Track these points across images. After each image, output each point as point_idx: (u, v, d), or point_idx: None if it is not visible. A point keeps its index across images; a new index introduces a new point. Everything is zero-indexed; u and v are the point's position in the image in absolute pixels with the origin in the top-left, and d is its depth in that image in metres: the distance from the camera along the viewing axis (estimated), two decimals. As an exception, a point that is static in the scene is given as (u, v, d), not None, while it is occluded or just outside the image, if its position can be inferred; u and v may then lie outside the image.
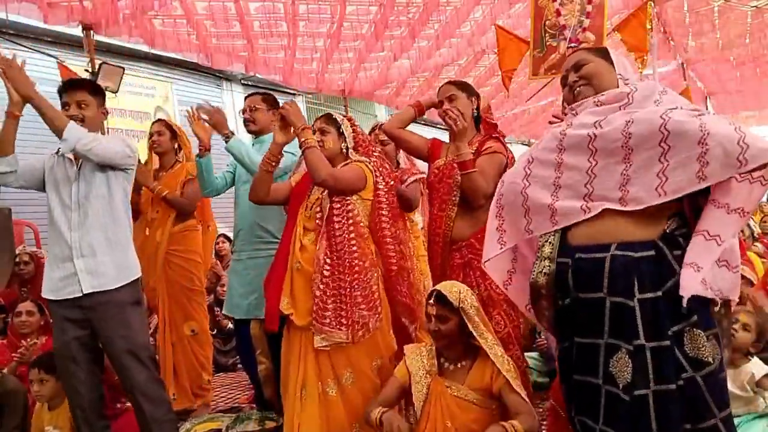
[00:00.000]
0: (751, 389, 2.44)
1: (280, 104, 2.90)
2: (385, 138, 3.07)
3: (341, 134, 2.55)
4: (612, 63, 1.74)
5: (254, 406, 3.54)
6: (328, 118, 2.58)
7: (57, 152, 2.50)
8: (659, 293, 1.52)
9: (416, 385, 2.14)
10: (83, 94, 2.48)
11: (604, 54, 1.77)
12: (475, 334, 2.11)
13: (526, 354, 3.49)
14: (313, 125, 2.57)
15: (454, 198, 2.57)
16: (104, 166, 2.44)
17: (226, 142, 2.86)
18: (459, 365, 2.20)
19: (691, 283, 1.47)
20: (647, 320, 1.50)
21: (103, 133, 2.58)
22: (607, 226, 1.59)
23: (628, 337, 1.51)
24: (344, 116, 2.63)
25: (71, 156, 2.48)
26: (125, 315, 2.42)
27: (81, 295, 2.37)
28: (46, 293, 2.46)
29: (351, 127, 2.60)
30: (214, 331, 4.77)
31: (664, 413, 1.47)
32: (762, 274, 3.87)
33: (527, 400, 2.11)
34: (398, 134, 2.77)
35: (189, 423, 3.28)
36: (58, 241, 2.43)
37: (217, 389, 4.17)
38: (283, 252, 2.51)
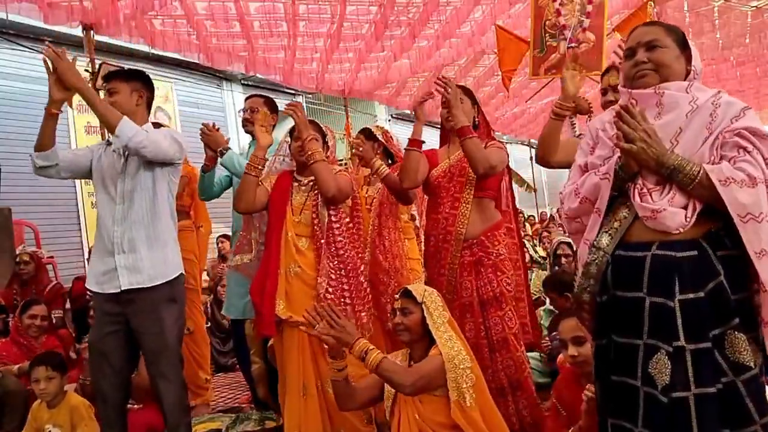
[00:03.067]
0: None
1: (280, 107, 2.93)
2: (358, 140, 3.10)
3: (325, 144, 2.61)
4: (683, 52, 1.63)
5: (254, 406, 3.55)
6: (316, 127, 2.62)
7: (107, 143, 2.48)
8: (701, 294, 1.47)
9: (386, 389, 2.19)
10: (114, 82, 2.45)
11: (681, 40, 1.63)
12: (431, 328, 2.15)
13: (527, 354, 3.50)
14: (294, 130, 2.59)
15: (468, 195, 2.60)
16: (153, 161, 2.41)
17: (221, 156, 2.93)
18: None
19: None
20: (688, 321, 1.46)
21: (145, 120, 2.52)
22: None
23: (667, 338, 1.47)
24: (326, 127, 2.69)
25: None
26: (158, 314, 2.38)
27: (120, 291, 2.35)
28: (91, 285, 2.44)
29: (332, 138, 2.68)
30: (211, 329, 4.77)
31: (705, 417, 1.43)
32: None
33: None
34: (420, 182, 2.71)
35: (189, 423, 3.29)
36: (102, 234, 2.41)
37: (217, 389, 4.17)
38: (274, 256, 2.50)
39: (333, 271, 2.45)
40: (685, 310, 1.46)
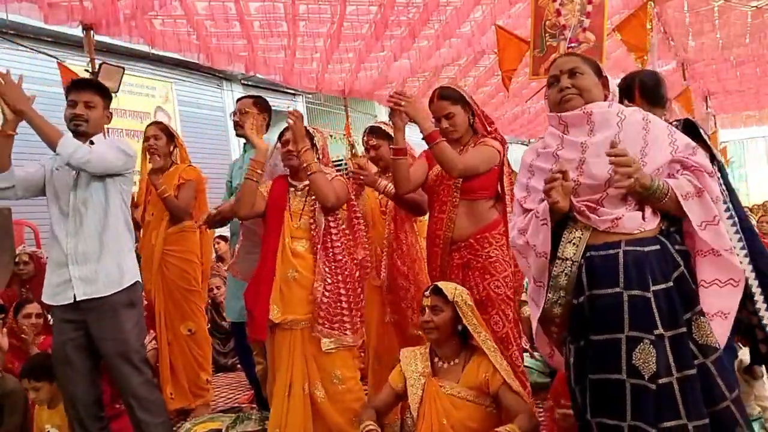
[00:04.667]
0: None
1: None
2: (376, 142, 3.07)
3: (314, 146, 2.57)
4: (600, 79, 1.82)
5: (254, 406, 3.55)
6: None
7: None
8: (670, 283, 1.61)
9: (411, 388, 2.18)
10: (91, 94, 2.48)
11: (596, 69, 1.84)
12: (468, 328, 2.16)
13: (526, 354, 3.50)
14: (283, 136, 2.58)
15: (454, 199, 2.58)
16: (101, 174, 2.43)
17: None
18: (452, 363, 2.24)
19: (724, 333, 1.61)
20: (663, 310, 1.58)
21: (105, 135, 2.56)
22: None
23: (648, 327, 1.57)
24: (314, 128, 2.66)
25: None
26: (118, 318, 2.43)
27: (74, 301, 2.39)
28: (45, 298, 2.48)
29: (322, 139, 2.65)
30: (211, 330, 4.76)
31: (689, 398, 1.54)
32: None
33: (526, 399, 2.13)
34: (414, 186, 2.66)
35: (189, 423, 3.28)
36: (55, 247, 2.45)
37: (217, 389, 4.17)
38: (270, 262, 2.50)
39: (329, 276, 2.46)
40: (659, 300, 1.58)
